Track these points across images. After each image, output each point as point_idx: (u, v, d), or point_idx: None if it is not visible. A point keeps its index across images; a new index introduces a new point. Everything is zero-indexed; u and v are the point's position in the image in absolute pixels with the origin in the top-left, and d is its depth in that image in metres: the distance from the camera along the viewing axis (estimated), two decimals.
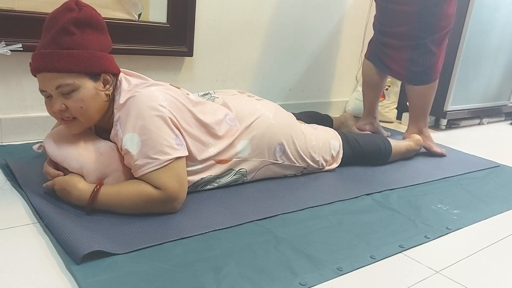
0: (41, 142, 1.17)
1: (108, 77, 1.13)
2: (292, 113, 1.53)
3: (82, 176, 1.09)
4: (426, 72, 1.86)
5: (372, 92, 2.07)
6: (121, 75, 1.18)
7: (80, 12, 1.06)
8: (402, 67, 1.90)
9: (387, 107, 2.56)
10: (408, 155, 1.82)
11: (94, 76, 1.09)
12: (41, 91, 1.09)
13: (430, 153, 1.92)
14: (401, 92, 2.56)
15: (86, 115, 1.10)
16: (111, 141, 1.16)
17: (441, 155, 1.90)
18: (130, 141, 1.07)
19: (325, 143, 1.51)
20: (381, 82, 2.05)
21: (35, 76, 1.08)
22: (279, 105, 1.49)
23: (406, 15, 1.82)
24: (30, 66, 1.08)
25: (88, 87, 1.08)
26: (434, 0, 1.76)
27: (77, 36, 1.05)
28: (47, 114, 1.12)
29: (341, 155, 1.57)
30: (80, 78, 1.07)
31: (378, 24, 1.95)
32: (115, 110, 1.13)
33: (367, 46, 2.08)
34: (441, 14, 1.78)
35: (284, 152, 1.38)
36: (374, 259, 1.01)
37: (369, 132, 2.04)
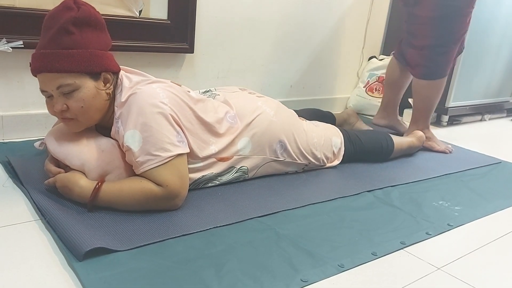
0: (43, 139, 1.17)
1: (109, 75, 1.13)
2: (294, 110, 1.53)
3: (84, 173, 1.09)
4: (438, 68, 1.86)
5: (389, 89, 2.09)
6: (122, 72, 1.18)
7: (79, 11, 1.05)
8: (418, 63, 1.90)
9: None
10: (410, 152, 1.81)
11: (95, 75, 1.09)
12: (42, 91, 1.09)
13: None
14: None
15: (86, 114, 1.10)
16: (112, 138, 1.16)
17: (443, 152, 1.90)
18: (131, 138, 1.07)
19: (326, 140, 1.51)
20: (401, 80, 2.04)
21: (35, 76, 1.09)
22: (280, 102, 1.49)
23: (427, 20, 1.83)
24: (30, 66, 1.08)
25: (89, 86, 1.08)
26: (455, 5, 1.76)
27: (77, 35, 1.05)
28: (47, 110, 1.12)
29: (342, 152, 1.57)
30: (81, 77, 1.07)
31: (405, 25, 1.97)
32: (116, 108, 1.13)
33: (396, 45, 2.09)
34: (463, 17, 1.80)
35: (285, 149, 1.38)
36: (375, 256, 1.01)
37: (371, 128, 2.04)
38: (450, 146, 1.96)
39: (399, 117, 2.18)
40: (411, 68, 1.93)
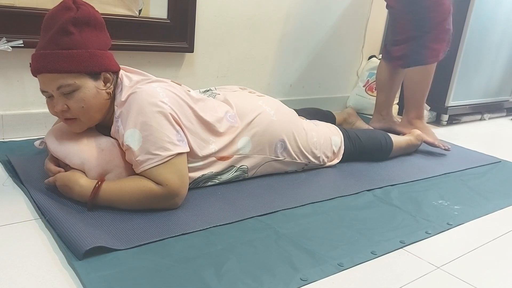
0: (43, 138, 1.18)
1: (109, 75, 1.13)
2: (294, 110, 1.53)
3: (84, 172, 1.09)
4: (421, 55, 1.90)
5: (381, 92, 2.11)
6: (122, 72, 1.18)
7: (78, 11, 1.05)
8: (403, 54, 1.95)
9: None
10: (409, 150, 1.82)
11: (95, 75, 1.10)
12: (42, 91, 1.09)
13: (428, 147, 1.91)
14: (402, 88, 2.55)
15: (87, 114, 1.10)
16: (112, 137, 1.16)
17: (433, 145, 1.89)
18: (131, 137, 1.07)
19: (326, 139, 1.51)
20: (391, 80, 2.07)
21: (35, 76, 1.09)
22: (280, 101, 1.49)
23: (403, 14, 1.91)
24: (30, 66, 1.08)
25: (89, 86, 1.08)
26: None
27: (76, 35, 1.05)
28: (48, 110, 1.12)
29: (342, 151, 1.57)
30: (81, 78, 1.07)
31: (390, 25, 2.06)
32: (115, 107, 1.14)
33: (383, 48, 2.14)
34: (435, 3, 1.82)
35: (285, 148, 1.38)
36: (375, 255, 1.01)
37: (371, 127, 2.04)
38: (448, 146, 1.93)
39: (397, 118, 2.19)
40: (398, 60, 1.97)
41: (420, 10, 1.84)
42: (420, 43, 1.89)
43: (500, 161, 1.87)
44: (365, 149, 1.63)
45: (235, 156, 1.29)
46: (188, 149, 1.15)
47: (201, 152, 1.20)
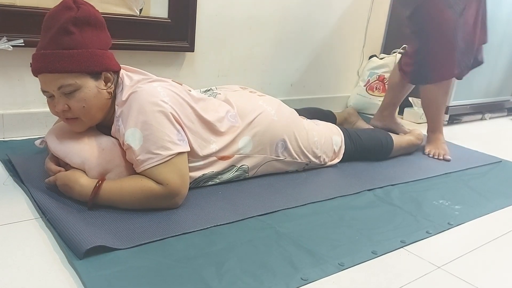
0: (43, 137, 1.18)
1: (109, 75, 1.13)
2: (294, 109, 1.53)
3: (84, 172, 1.09)
4: (427, 72, 1.86)
5: (390, 91, 2.10)
6: (123, 71, 1.18)
7: (79, 10, 1.05)
8: (409, 69, 1.93)
9: None
10: (409, 150, 1.82)
11: (95, 75, 1.10)
12: (43, 91, 1.09)
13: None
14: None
15: (88, 114, 1.10)
16: (112, 136, 1.16)
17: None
18: (132, 136, 1.07)
19: (327, 139, 1.51)
20: (400, 84, 2.04)
21: (36, 76, 1.09)
22: (281, 100, 1.49)
23: (407, 19, 1.88)
24: (30, 66, 1.08)
25: (90, 86, 1.08)
26: (422, 5, 1.78)
27: (77, 35, 1.05)
28: (49, 109, 1.12)
29: (343, 150, 1.57)
30: (81, 77, 1.07)
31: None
32: (116, 107, 1.14)
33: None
34: (430, 14, 1.79)
35: (286, 148, 1.38)
36: (375, 254, 1.01)
37: (371, 127, 2.04)
38: (447, 156, 1.84)
39: (399, 118, 2.19)
40: (406, 74, 1.95)
41: (422, 19, 1.80)
42: (424, 53, 1.84)
43: (500, 161, 1.87)
44: (365, 149, 1.63)
45: (236, 156, 1.29)
46: (188, 149, 1.15)
47: (201, 152, 1.20)
